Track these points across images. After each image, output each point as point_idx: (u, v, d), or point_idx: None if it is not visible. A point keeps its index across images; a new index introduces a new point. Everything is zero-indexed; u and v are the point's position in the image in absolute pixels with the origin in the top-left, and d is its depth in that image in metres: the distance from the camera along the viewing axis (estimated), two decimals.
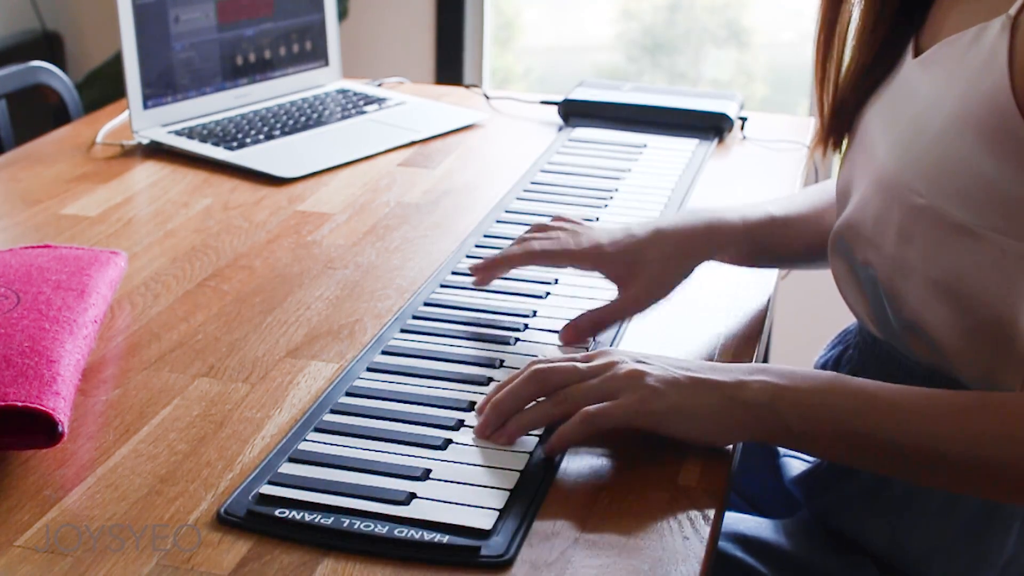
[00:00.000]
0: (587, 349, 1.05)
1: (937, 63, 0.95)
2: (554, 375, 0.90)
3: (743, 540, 1.09)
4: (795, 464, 1.13)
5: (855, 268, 1.03)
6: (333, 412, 0.94)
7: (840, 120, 1.06)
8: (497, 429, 0.90)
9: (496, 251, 1.25)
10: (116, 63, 2.07)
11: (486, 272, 1.12)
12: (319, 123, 1.65)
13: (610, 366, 0.90)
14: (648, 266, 1.07)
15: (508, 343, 1.05)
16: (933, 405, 0.87)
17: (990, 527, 0.98)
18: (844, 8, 1.04)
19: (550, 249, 1.09)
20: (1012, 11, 0.87)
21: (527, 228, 1.15)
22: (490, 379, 0.99)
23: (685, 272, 1.10)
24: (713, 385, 0.88)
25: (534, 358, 0.95)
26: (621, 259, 1.08)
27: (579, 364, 0.91)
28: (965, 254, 0.92)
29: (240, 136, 1.58)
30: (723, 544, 1.07)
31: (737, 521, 1.12)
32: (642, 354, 0.92)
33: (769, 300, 1.18)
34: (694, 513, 0.84)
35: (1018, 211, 0.89)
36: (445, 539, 0.79)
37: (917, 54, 0.98)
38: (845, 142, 1.08)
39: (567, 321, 1.07)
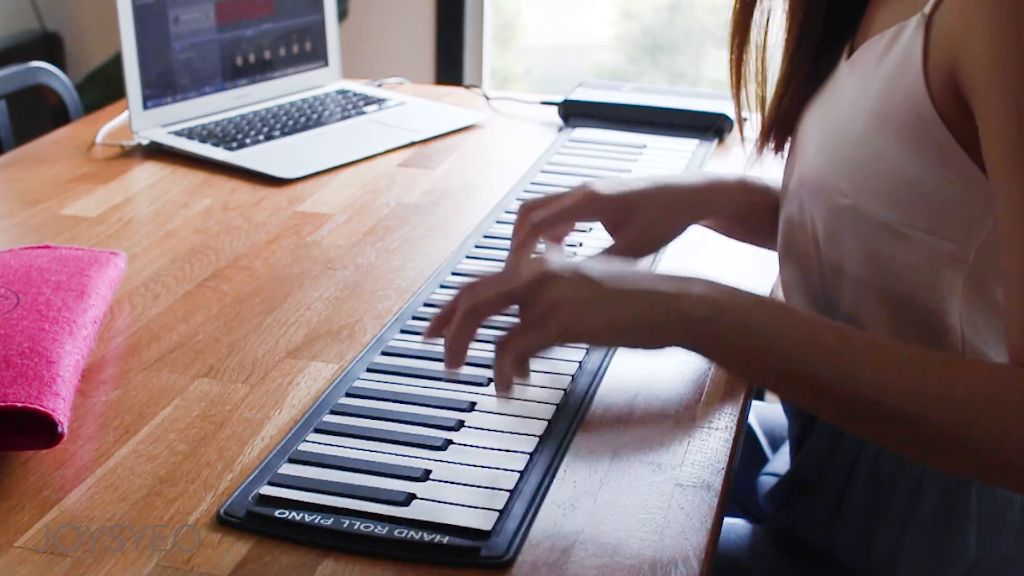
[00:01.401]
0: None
1: (860, 64, 0.95)
2: (486, 307, 0.87)
3: (737, 545, 1.09)
4: (769, 481, 1.14)
5: (801, 269, 1.03)
6: (333, 413, 0.94)
7: (782, 125, 1.06)
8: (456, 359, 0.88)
9: (500, 251, 1.25)
10: (116, 63, 2.07)
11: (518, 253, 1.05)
12: (319, 123, 1.65)
13: (541, 281, 0.85)
14: (644, 213, 1.05)
15: None
16: (872, 349, 0.83)
17: (948, 529, 0.98)
18: (755, 18, 1.04)
19: (548, 216, 1.04)
20: (927, 9, 0.87)
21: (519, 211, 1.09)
22: (490, 380, 0.99)
23: (679, 227, 1.07)
24: (651, 296, 0.85)
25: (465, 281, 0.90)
26: (618, 203, 1.05)
27: (512, 286, 0.86)
28: (891, 253, 0.92)
29: (240, 136, 1.58)
30: (721, 548, 1.07)
31: (732, 526, 1.12)
32: (577, 262, 0.88)
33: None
34: (694, 514, 0.84)
35: (940, 209, 0.89)
36: (445, 540, 0.79)
37: (850, 56, 0.99)
38: (788, 145, 1.08)
39: None
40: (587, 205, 1.04)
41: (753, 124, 1.09)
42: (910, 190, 0.90)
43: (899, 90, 0.89)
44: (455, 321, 0.87)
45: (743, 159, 1.12)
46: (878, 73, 0.92)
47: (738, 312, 0.84)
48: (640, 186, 1.06)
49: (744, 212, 1.11)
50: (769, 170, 1.12)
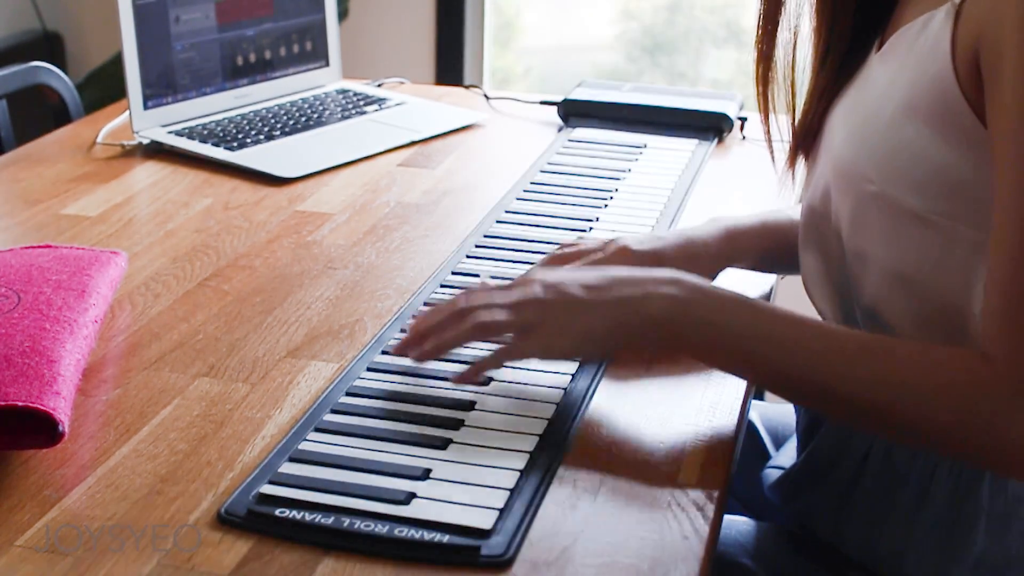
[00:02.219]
0: None
1: (890, 54, 0.96)
2: (472, 310, 0.97)
3: (739, 542, 1.09)
4: (774, 473, 1.14)
5: (824, 259, 1.03)
6: (333, 412, 0.95)
7: (808, 132, 1.07)
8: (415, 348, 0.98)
9: (496, 249, 1.25)
10: (116, 63, 2.07)
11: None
12: (319, 123, 1.65)
13: (524, 304, 0.95)
14: (672, 264, 1.08)
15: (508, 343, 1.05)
16: (828, 343, 0.90)
17: (956, 523, 0.98)
18: (778, 39, 1.05)
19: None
20: None
21: (548, 254, 1.14)
22: (490, 379, 0.99)
23: (706, 276, 1.10)
24: (619, 303, 0.93)
25: (462, 291, 1.00)
26: (649, 259, 1.10)
27: (498, 302, 0.96)
28: (917, 241, 0.93)
29: (240, 136, 1.58)
30: (721, 546, 1.07)
31: (733, 523, 1.12)
32: (559, 278, 0.96)
33: (769, 300, 1.18)
34: (694, 513, 0.84)
35: (968, 197, 0.89)
36: (445, 539, 0.79)
37: (880, 49, 0.99)
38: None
39: None
40: (619, 260, 1.10)
41: (779, 127, 1.10)
42: (936, 176, 0.90)
43: (927, 77, 0.90)
44: (446, 313, 0.97)
45: (743, 160, 1.12)
46: (907, 61, 0.93)
47: (701, 310, 0.92)
48: (669, 240, 1.13)
49: (767, 256, 1.17)
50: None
